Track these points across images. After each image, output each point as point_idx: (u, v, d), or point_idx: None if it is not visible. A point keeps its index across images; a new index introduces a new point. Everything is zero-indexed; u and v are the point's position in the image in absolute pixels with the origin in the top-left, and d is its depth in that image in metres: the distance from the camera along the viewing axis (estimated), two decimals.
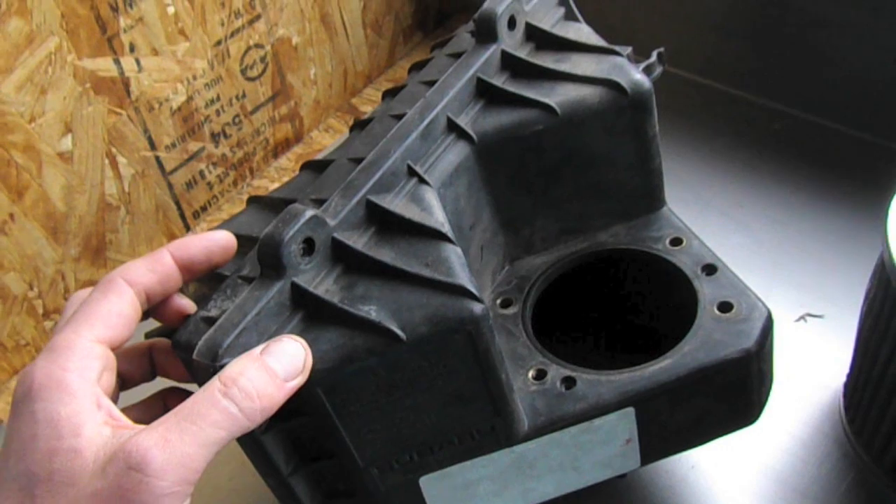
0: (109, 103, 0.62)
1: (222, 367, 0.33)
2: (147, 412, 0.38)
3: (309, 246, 0.36)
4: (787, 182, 0.67)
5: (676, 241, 0.47)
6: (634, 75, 0.44)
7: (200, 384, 0.34)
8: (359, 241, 0.38)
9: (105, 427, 0.31)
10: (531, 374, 0.43)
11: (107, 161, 0.63)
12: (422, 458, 0.39)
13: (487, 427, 0.39)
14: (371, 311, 0.35)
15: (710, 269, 0.45)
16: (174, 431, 0.30)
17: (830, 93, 0.70)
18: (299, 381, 0.33)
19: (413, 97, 0.45)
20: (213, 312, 0.36)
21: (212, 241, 0.37)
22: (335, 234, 0.37)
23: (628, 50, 0.46)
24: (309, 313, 0.36)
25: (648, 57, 0.47)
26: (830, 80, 0.69)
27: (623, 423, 0.41)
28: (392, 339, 0.34)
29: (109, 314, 0.34)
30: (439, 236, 0.38)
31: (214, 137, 0.71)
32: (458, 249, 0.37)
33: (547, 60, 0.46)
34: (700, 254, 0.46)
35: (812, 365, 0.55)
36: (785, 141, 0.71)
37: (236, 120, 0.72)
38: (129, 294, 0.35)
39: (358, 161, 0.41)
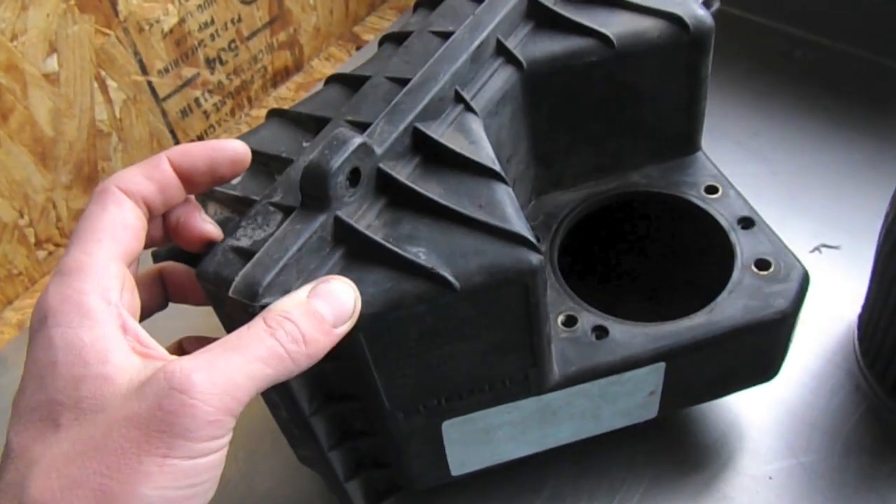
0: (96, 22, 0.57)
1: (262, 307, 0.30)
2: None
3: (355, 177, 0.33)
4: (805, 110, 0.65)
5: (712, 189, 0.45)
6: (698, 10, 0.41)
7: (233, 324, 0.31)
8: (402, 172, 0.35)
9: (134, 356, 0.28)
10: (560, 319, 0.41)
11: (96, 85, 0.59)
12: (449, 404, 0.38)
13: (521, 376, 0.37)
14: (420, 254, 0.32)
15: (747, 223, 0.43)
16: (221, 358, 0.28)
17: (852, 18, 0.67)
18: (348, 326, 0.31)
19: (455, 12, 0.41)
20: (244, 242, 0.32)
21: (217, 151, 0.32)
22: (381, 165, 0.34)
23: None
24: (351, 250, 0.33)
25: None
26: (852, 4, 0.66)
27: (651, 377, 0.40)
28: (445, 287, 0.32)
29: (114, 226, 0.30)
30: (492, 174, 0.35)
31: (209, 63, 0.67)
32: (511, 190, 0.35)
33: None
34: (737, 205, 0.44)
35: (826, 296, 0.53)
36: (804, 68, 0.68)
37: (232, 45, 0.68)
38: (129, 203, 0.31)
39: (399, 81, 0.38)
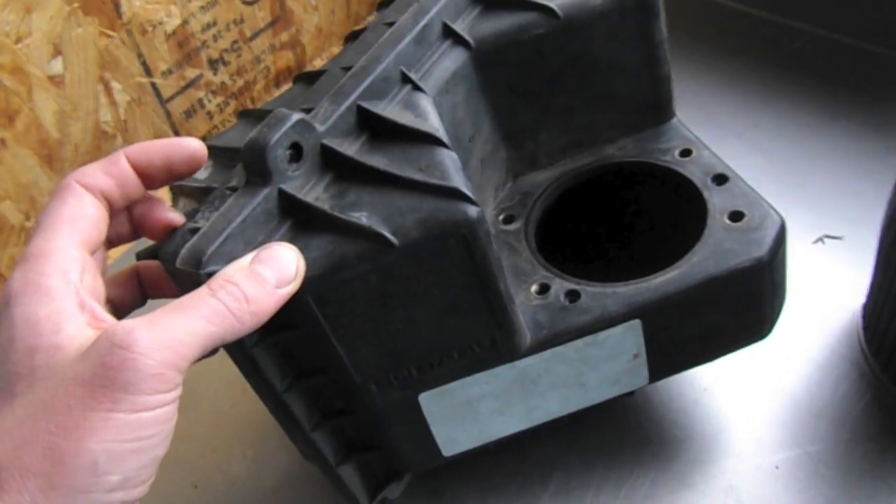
0: (100, 25, 0.59)
1: (207, 275, 0.32)
2: None
3: (296, 152, 0.35)
4: (804, 101, 0.65)
5: (686, 152, 0.45)
6: None
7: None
8: (350, 149, 0.36)
9: (88, 328, 0.30)
10: (534, 288, 0.41)
11: (100, 87, 0.61)
12: (421, 374, 0.38)
13: (488, 340, 0.38)
14: (362, 217, 0.34)
15: (720, 179, 0.43)
16: (163, 318, 0.29)
17: (850, 8, 0.66)
18: (292, 288, 0.32)
19: (408, 4, 0.43)
20: (200, 223, 0.34)
21: (174, 148, 0.35)
22: (324, 141, 0.36)
23: None
24: (298, 222, 0.34)
25: None
26: None
27: (630, 337, 0.40)
28: (383, 245, 0.33)
29: (73, 217, 0.32)
30: (433, 140, 0.36)
31: (212, 64, 0.69)
32: (453, 154, 0.36)
33: None
34: (710, 164, 0.44)
35: (830, 286, 0.53)
36: (803, 60, 0.68)
37: (235, 46, 0.70)
38: (88, 196, 0.33)
39: (350, 69, 0.39)
